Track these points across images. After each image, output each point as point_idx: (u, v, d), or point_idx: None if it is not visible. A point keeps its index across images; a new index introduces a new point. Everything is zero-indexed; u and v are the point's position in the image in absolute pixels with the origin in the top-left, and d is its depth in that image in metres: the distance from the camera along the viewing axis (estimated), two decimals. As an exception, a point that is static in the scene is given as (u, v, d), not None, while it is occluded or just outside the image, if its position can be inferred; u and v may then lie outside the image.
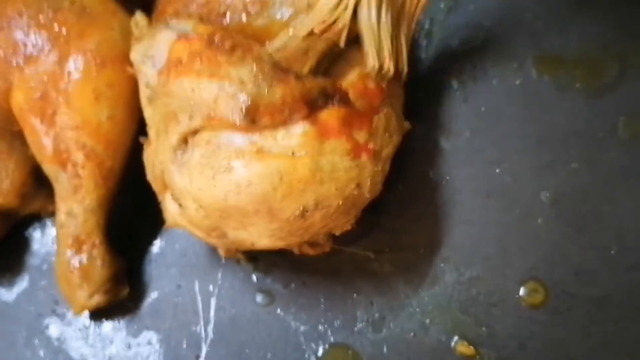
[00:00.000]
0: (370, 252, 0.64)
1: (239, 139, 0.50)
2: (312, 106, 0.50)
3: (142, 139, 0.59)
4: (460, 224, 0.64)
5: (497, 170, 0.65)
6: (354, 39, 0.56)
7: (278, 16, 0.56)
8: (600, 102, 0.65)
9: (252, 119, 0.49)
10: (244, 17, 0.56)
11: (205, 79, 0.50)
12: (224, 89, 0.49)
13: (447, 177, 0.65)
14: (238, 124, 0.49)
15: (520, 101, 0.67)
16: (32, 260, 0.72)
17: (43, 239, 0.72)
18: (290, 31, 0.54)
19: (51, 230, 0.72)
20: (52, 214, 0.70)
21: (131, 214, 0.69)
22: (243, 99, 0.48)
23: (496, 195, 0.64)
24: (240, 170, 0.49)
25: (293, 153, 0.49)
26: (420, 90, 0.68)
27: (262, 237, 0.53)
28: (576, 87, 0.66)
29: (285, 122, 0.49)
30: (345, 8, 0.52)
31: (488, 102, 0.68)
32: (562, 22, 0.69)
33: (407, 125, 0.60)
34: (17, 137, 0.65)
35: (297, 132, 0.50)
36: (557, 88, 0.67)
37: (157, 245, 0.69)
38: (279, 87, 0.49)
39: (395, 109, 0.58)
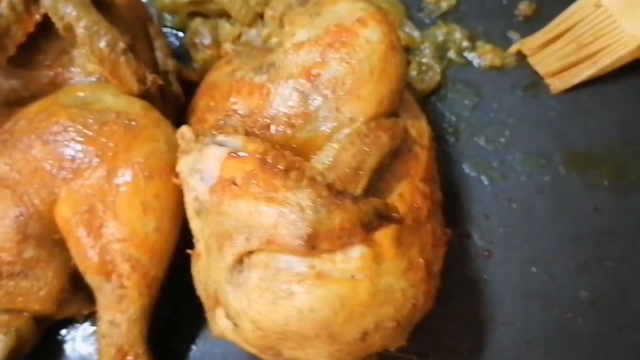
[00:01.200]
0: (414, 356, 0.65)
1: (298, 263, 0.51)
2: (368, 228, 0.51)
3: (189, 251, 0.60)
4: (501, 325, 0.64)
5: (534, 269, 0.66)
6: (396, 150, 0.58)
7: (322, 129, 0.58)
8: (628, 200, 0.67)
9: (312, 245, 0.50)
10: (288, 130, 0.58)
11: (264, 204, 0.51)
12: (283, 215, 0.50)
13: (485, 276, 0.67)
14: (298, 249, 0.50)
15: (550, 198, 0.69)
16: (66, 364, 0.71)
17: (76, 343, 0.72)
18: (336, 145, 0.56)
19: (85, 333, 0.71)
20: (87, 318, 0.70)
21: (169, 317, 0.69)
22: (303, 226, 0.50)
23: (534, 295, 0.65)
24: (302, 296, 0.50)
25: (353, 277, 0.50)
26: (452, 187, 0.70)
27: (319, 357, 0.53)
28: (604, 184, 0.68)
29: (343, 246, 0.51)
30: None
31: (519, 198, 0.70)
32: (585, 120, 0.72)
33: (449, 233, 0.61)
34: (57, 245, 0.64)
35: (355, 256, 0.51)
36: (585, 185, 0.69)
37: (196, 349, 0.69)
38: (338, 213, 0.50)
39: (438, 217, 0.59)
